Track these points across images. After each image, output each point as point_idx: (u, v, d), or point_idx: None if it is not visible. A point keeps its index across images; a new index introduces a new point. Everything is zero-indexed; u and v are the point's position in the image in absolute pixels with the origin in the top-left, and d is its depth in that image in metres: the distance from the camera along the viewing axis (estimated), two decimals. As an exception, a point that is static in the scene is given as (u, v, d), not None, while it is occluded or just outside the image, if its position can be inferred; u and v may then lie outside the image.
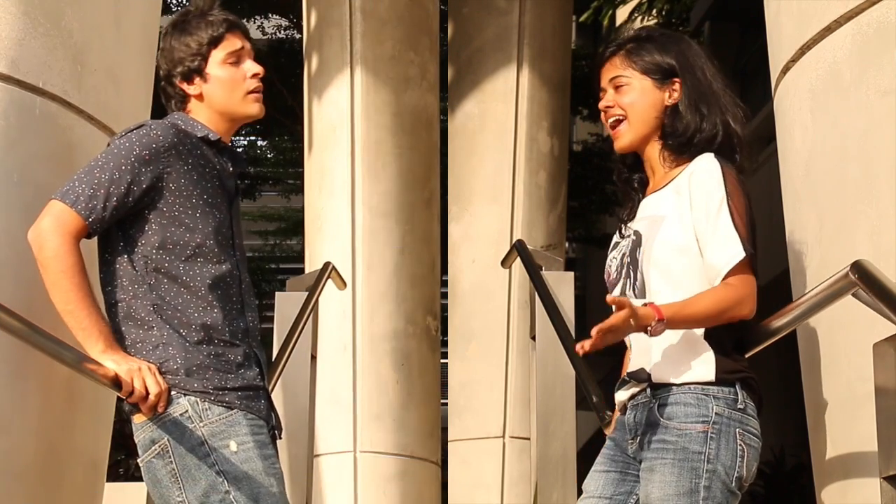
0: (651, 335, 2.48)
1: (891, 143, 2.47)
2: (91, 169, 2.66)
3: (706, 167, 2.59)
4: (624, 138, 2.72)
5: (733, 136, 2.67)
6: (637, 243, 2.65)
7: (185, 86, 2.82)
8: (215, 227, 2.74)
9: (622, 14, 8.42)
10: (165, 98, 2.87)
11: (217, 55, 2.81)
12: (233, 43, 2.83)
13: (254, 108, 2.86)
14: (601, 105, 2.74)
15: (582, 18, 7.43)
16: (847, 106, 2.59)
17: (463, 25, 8.38)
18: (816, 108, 2.70)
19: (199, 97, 2.82)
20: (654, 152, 2.72)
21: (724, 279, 2.52)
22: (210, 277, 2.71)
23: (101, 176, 2.64)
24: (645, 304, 2.50)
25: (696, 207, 2.58)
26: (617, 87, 2.72)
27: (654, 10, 7.45)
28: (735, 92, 2.77)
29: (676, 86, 2.69)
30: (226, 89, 2.82)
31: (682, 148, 2.66)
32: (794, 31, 2.77)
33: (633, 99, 2.70)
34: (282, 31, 13.34)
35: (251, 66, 2.84)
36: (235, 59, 2.83)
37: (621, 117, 2.71)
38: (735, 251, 2.52)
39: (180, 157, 2.71)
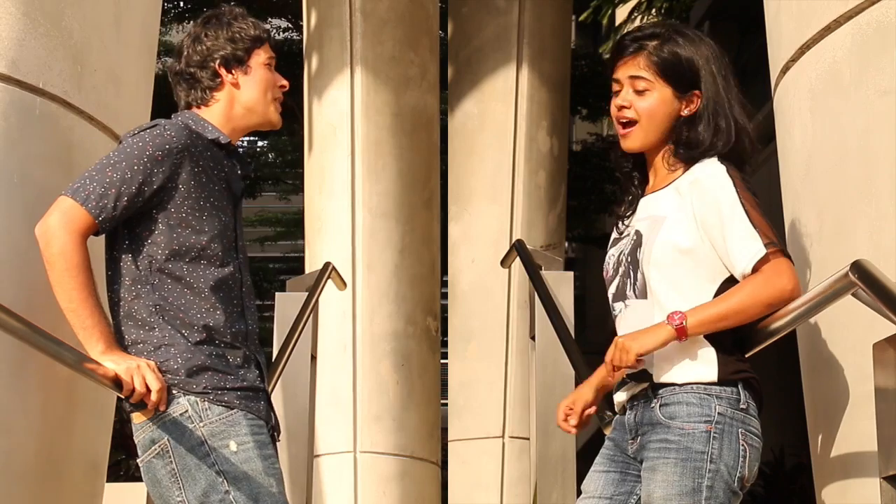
0: (677, 330, 2.51)
1: (891, 143, 2.47)
2: (103, 167, 2.66)
3: (711, 172, 2.58)
4: (634, 141, 2.69)
5: (741, 150, 2.65)
6: (637, 243, 2.64)
7: (223, 71, 2.83)
8: (220, 230, 2.75)
9: (622, 13, 8.41)
10: (188, 85, 2.86)
11: (260, 55, 2.88)
12: (270, 50, 2.91)
13: (275, 115, 2.92)
14: (617, 102, 2.69)
15: (581, 18, 7.42)
16: (847, 106, 2.59)
17: (462, 25, 8.38)
18: (816, 107, 2.70)
19: (236, 85, 2.85)
20: (658, 155, 2.71)
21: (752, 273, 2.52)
22: (213, 280, 2.71)
23: (113, 175, 2.64)
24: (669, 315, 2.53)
25: (705, 213, 2.56)
26: (637, 90, 2.67)
27: (654, 10, 7.44)
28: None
29: (695, 99, 2.66)
30: (260, 88, 2.86)
31: (692, 159, 2.65)
32: (794, 30, 2.77)
33: (652, 106, 2.66)
34: (281, 33, 13.34)
35: (280, 78, 2.92)
36: (271, 65, 2.90)
37: (635, 120, 2.68)
38: (755, 249, 2.51)
39: (192, 159, 2.72)
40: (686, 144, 2.65)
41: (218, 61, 2.83)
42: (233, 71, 2.84)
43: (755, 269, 2.51)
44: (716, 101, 2.65)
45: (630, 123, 2.68)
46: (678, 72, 2.65)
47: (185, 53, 2.86)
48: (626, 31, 7.32)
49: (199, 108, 2.85)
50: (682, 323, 2.50)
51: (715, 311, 2.51)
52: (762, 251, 2.50)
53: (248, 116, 2.87)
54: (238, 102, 2.85)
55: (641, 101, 2.66)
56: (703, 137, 2.63)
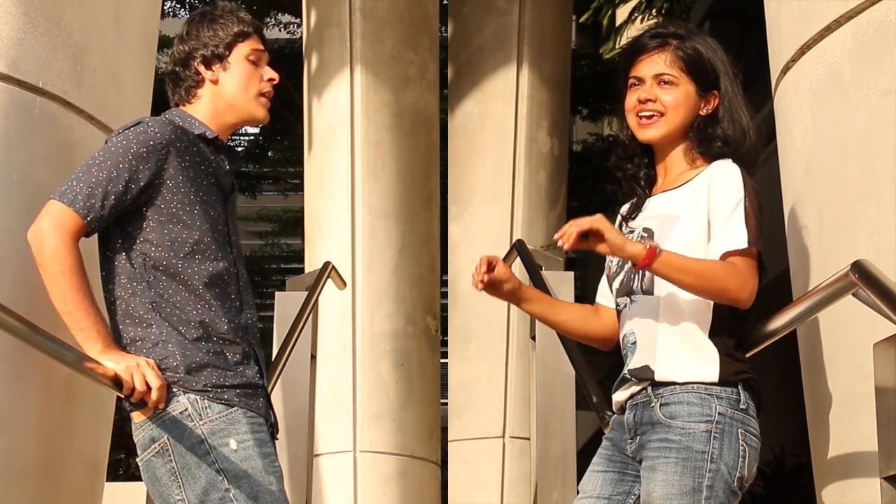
0: (643, 255, 2.47)
1: (891, 143, 2.47)
2: (89, 167, 2.66)
3: (728, 171, 2.60)
4: (658, 130, 2.68)
5: (752, 149, 2.68)
6: (649, 239, 2.63)
7: (202, 68, 2.84)
8: (211, 224, 2.75)
9: (622, 14, 8.42)
10: (174, 84, 2.88)
11: (242, 49, 2.86)
12: (257, 44, 2.88)
13: (261, 111, 2.88)
14: (641, 95, 2.68)
15: (582, 19, 7.43)
16: (847, 106, 2.59)
17: (463, 25, 8.37)
18: (816, 107, 2.70)
19: (215, 82, 2.84)
20: (675, 152, 2.71)
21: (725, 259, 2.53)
22: (207, 275, 2.71)
23: (99, 174, 2.65)
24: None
25: (714, 201, 2.58)
26: (662, 83, 2.67)
27: (654, 10, 7.44)
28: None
29: (713, 99, 2.68)
30: (242, 82, 2.85)
31: (723, 156, 2.65)
32: (795, 30, 2.78)
33: (677, 100, 2.67)
34: (283, 29, 13.30)
35: (268, 71, 2.89)
36: (256, 59, 2.88)
37: (660, 112, 2.68)
38: (737, 239, 2.52)
39: (177, 154, 2.72)
40: (724, 140, 2.66)
41: (198, 59, 2.84)
42: (212, 68, 2.84)
43: (730, 254, 2.52)
44: (734, 103, 2.68)
45: (655, 116, 2.68)
46: (702, 69, 2.68)
47: (173, 53, 2.88)
48: (627, 31, 7.31)
49: (185, 105, 2.86)
50: (654, 252, 2.48)
51: (683, 263, 2.50)
52: (742, 245, 2.52)
53: (232, 112, 2.86)
54: (220, 98, 2.85)
55: (667, 95, 2.67)
56: (734, 134, 2.66)
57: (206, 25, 2.86)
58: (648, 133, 2.70)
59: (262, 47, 2.89)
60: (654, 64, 2.69)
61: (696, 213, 2.60)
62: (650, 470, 2.54)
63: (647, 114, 2.68)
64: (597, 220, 2.50)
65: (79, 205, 2.62)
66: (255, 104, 2.87)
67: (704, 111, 2.69)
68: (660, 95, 2.68)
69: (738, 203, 2.55)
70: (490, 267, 2.72)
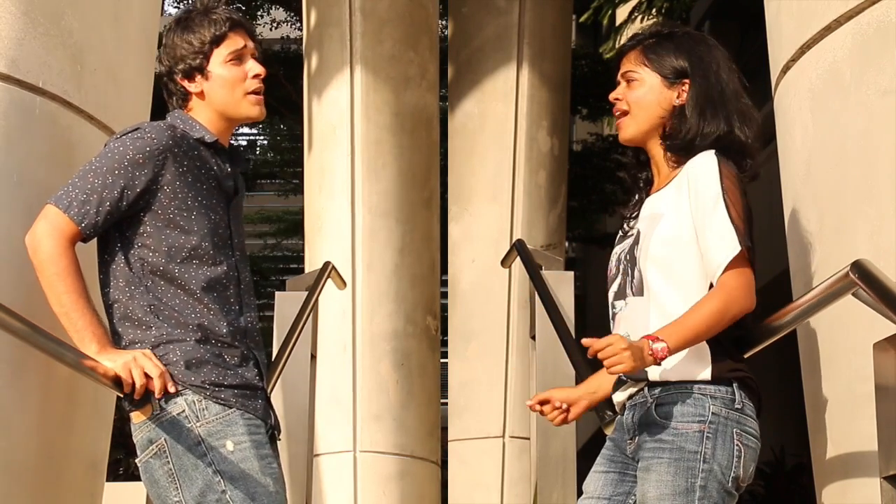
0: (658, 361, 2.45)
1: (891, 143, 2.47)
2: (85, 173, 2.66)
3: (703, 162, 2.60)
4: (626, 130, 2.73)
5: (736, 143, 2.65)
6: (636, 241, 2.65)
7: (185, 83, 2.80)
8: (211, 228, 2.73)
9: (622, 14, 8.42)
10: (167, 94, 2.85)
11: (219, 53, 2.79)
12: (235, 42, 2.80)
13: (253, 109, 2.83)
14: (611, 96, 2.75)
15: (582, 19, 7.44)
16: (847, 106, 2.59)
17: (463, 25, 8.37)
18: (816, 107, 2.70)
19: (201, 95, 2.80)
20: (658, 151, 2.72)
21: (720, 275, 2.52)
22: (205, 279, 2.70)
23: (95, 181, 2.64)
24: (642, 339, 2.48)
25: (694, 202, 2.58)
26: (629, 82, 2.72)
27: (654, 10, 7.44)
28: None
29: (686, 87, 2.69)
30: (226, 88, 2.79)
31: (683, 151, 2.66)
32: (795, 30, 2.78)
33: (640, 95, 2.70)
34: (272, 30, 13.27)
35: (253, 66, 2.82)
36: (237, 58, 2.80)
37: (626, 111, 2.72)
38: (732, 246, 2.52)
39: (175, 160, 2.70)
40: (674, 135, 2.66)
41: (179, 75, 2.79)
42: (195, 80, 2.79)
43: (726, 269, 2.51)
44: (707, 90, 2.66)
45: (623, 115, 2.73)
46: (667, 61, 2.70)
47: (161, 61, 2.84)
48: (626, 31, 7.33)
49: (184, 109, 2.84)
50: (664, 355, 2.46)
51: (690, 333, 2.49)
52: (736, 249, 2.51)
53: (224, 117, 2.82)
54: (210, 107, 2.81)
55: (631, 92, 2.72)
56: (690, 124, 2.65)
57: (180, 34, 2.79)
58: (621, 135, 2.76)
59: (241, 44, 2.80)
60: (623, 65, 2.75)
61: (679, 209, 2.60)
62: (644, 470, 2.54)
63: (618, 112, 2.74)
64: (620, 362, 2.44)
65: (73, 211, 2.62)
66: (244, 105, 2.82)
67: (678, 101, 2.69)
68: (626, 94, 2.73)
69: (716, 197, 2.54)
70: (551, 403, 2.74)
